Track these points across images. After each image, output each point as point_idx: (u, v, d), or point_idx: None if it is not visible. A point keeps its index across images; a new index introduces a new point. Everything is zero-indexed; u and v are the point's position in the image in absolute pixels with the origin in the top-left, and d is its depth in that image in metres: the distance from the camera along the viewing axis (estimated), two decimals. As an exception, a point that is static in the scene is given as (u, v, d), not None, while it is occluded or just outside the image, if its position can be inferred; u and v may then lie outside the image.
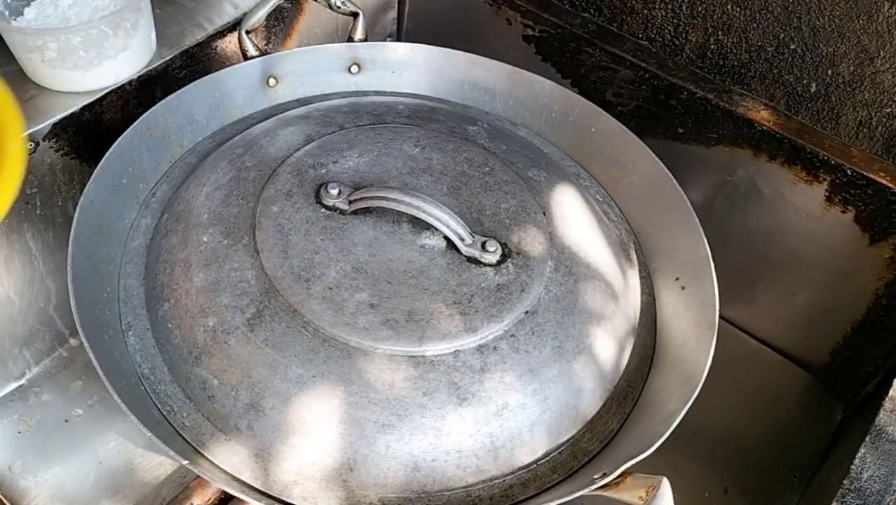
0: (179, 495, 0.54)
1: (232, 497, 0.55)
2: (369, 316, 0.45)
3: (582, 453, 0.47)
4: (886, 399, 0.51)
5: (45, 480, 0.58)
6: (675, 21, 0.72)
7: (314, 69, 0.64)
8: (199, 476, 0.53)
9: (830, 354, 0.70)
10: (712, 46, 0.71)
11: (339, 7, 0.64)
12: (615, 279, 0.52)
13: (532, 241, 0.50)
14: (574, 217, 0.54)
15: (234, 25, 0.66)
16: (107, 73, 0.58)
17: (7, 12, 0.56)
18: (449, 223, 0.47)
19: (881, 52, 0.62)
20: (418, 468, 0.43)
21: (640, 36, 0.75)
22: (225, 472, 0.43)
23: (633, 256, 0.57)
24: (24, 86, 0.57)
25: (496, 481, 0.44)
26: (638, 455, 0.41)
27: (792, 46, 0.66)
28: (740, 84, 0.71)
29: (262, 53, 0.61)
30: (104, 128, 0.59)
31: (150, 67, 0.61)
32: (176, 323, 0.47)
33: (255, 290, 0.46)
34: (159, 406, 0.45)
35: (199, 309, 0.46)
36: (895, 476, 0.46)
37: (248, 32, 0.60)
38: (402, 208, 0.47)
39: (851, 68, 0.64)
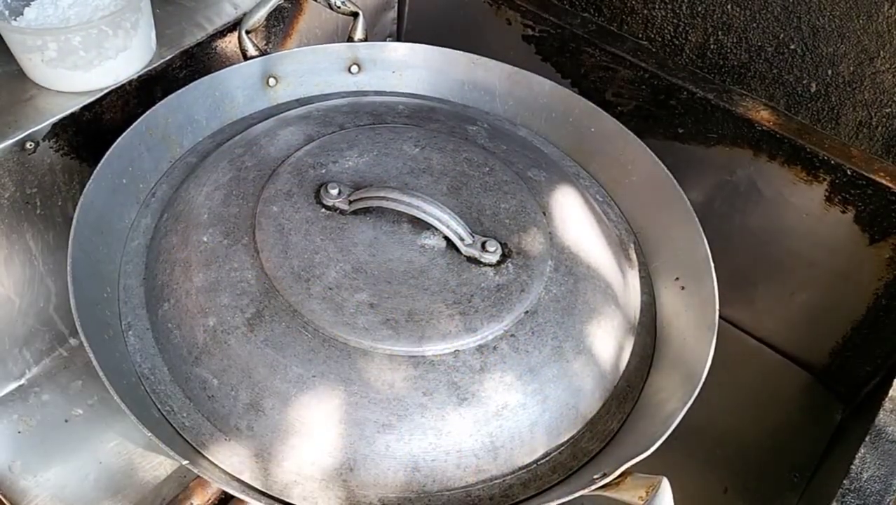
0: (179, 495, 0.54)
1: (232, 497, 0.55)
2: (369, 316, 0.45)
3: (582, 453, 0.47)
4: (886, 399, 0.51)
5: (45, 480, 0.58)
6: (674, 21, 0.72)
7: (314, 69, 0.64)
8: (199, 476, 0.53)
9: (830, 353, 0.70)
10: (712, 46, 0.71)
11: (339, 7, 0.64)
12: (615, 279, 0.52)
13: (532, 241, 0.50)
14: (574, 217, 0.54)
15: (234, 25, 0.66)
16: (107, 73, 0.58)
17: (7, 12, 0.56)
18: (449, 223, 0.47)
19: (881, 53, 0.62)
20: (418, 468, 0.43)
21: (640, 36, 0.75)
22: (225, 472, 0.43)
23: (633, 256, 0.57)
24: (23, 86, 0.58)
25: (496, 481, 0.44)
26: (638, 455, 0.41)
27: (792, 46, 0.66)
28: (740, 84, 0.71)
29: (262, 53, 0.61)
30: (104, 128, 0.59)
31: (150, 67, 0.61)
32: (176, 323, 0.47)
33: (255, 290, 0.46)
34: (159, 406, 0.45)
35: (199, 309, 0.46)
36: (895, 476, 0.46)
37: (248, 32, 0.60)
38: (402, 208, 0.47)
39: (851, 68, 0.64)
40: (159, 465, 0.60)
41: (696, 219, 0.54)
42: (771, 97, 0.70)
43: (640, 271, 0.56)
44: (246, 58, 0.61)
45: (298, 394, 0.43)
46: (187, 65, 0.64)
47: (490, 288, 0.47)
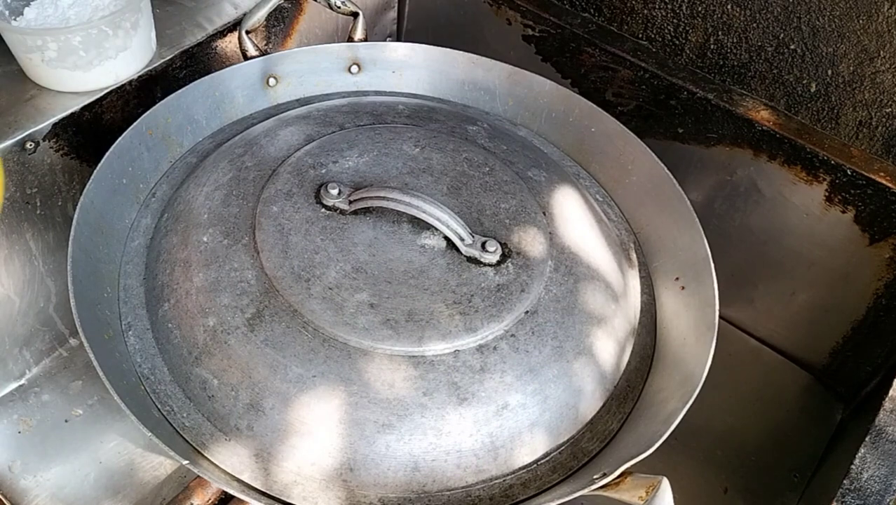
0: (179, 495, 0.54)
1: (232, 497, 0.55)
2: (369, 316, 0.45)
3: (582, 453, 0.47)
4: (886, 399, 0.51)
5: (45, 480, 0.58)
6: (674, 21, 0.72)
7: (314, 69, 0.64)
8: (199, 476, 0.53)
9: (830, 353, 0.70)
10: (712, 46, 0.71)
11: (339, 7, 0.64)
12: (615, 279, 0.52)
13: (532, 241, 0.50)
14: (574, 217, 0.54)
15: (234, 25, 0.66)
16: (107, 73, 0.58)
17: (7, 12, 0.56)
18: (449, 223, 0.47)
19: (881, 52, 0.62)
20: (418, 468, 0.43)
21: (640, 36, 0.75)
22: (225, 472, 0.43)
23: (633, 256, 0.57)
24: (24, 86, 0.57)
25: (496, 481, 0.44)
26: (638, 455, 0.41)
27: (792, 46, 0.66)
28: (740, 84, 0.71)
29: (262, 53, 0.61)
30: (104, 128, 0.59)
31: (150, 67, 0.61)
32: (176, 323, 0.47)
33: (255, 290, 0.46)
34: (159, 406, 0.45)
35: (199, 309, 0.46)
36: (895, 476, 0.46)
37: (248, 32, 0.60)
38: (402, 208, 0.47)
39: (851, 68, 0.64)
40: (159, 465, 0.60)
41: (697, 219, 0.54)
42: (771, 97, 0.70)
43: (640, 271, 0.56)
44: (246, 58, 0.61)
45: (298, 394, 0.43)
46: (187, 65, 0.64)
47: (490, 288, 0.47)
